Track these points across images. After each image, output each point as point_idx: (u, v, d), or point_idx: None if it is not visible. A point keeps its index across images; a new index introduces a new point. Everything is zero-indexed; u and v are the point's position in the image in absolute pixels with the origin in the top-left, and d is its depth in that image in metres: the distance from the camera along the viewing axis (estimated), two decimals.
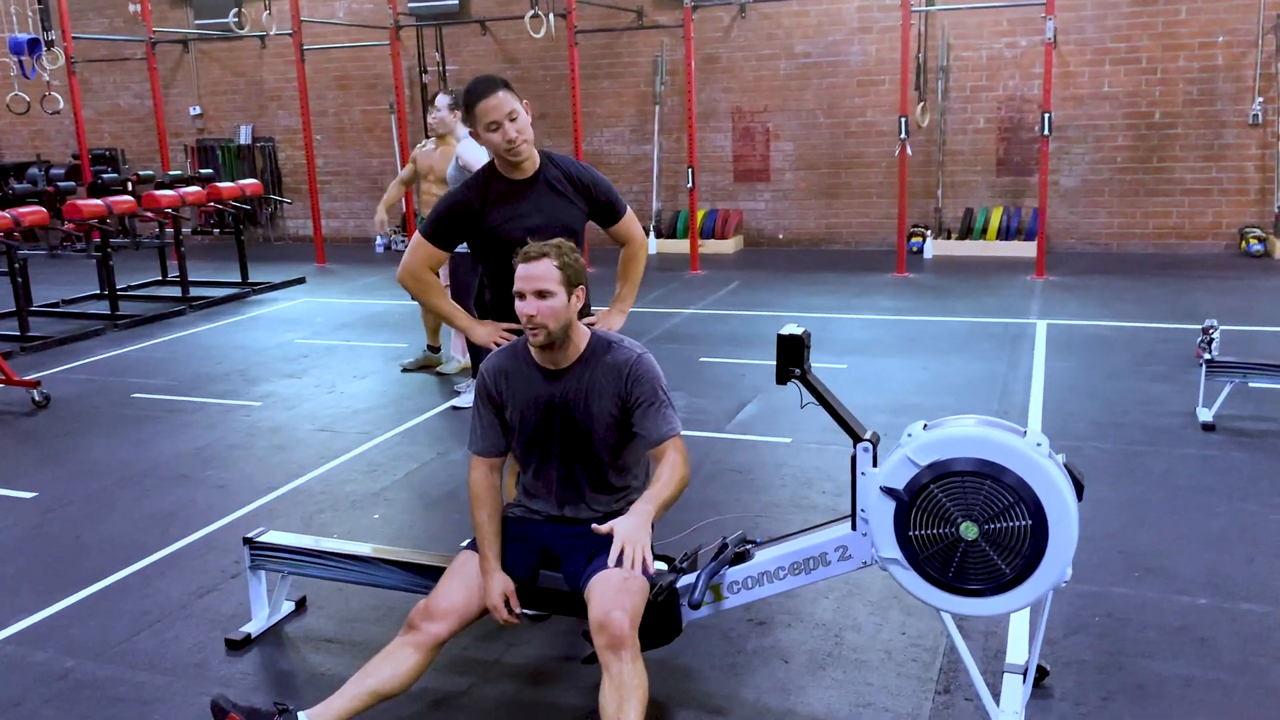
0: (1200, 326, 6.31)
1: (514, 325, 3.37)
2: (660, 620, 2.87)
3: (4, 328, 8.46)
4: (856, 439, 2.73)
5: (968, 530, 2.53)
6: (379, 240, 13.28)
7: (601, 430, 2.90)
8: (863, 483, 2.71)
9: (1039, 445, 2.52)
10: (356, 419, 5.92)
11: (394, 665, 2.77)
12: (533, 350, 2.93)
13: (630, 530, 2.65)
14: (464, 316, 3.53)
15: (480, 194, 3.38)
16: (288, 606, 3.59)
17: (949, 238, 11.26)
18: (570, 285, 2.81)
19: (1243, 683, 3.00)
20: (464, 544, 3.04)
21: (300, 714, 2.69)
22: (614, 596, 2.68)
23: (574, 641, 3.34)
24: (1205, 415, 5.25)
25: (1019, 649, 3.22)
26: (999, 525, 2.50)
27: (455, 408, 6.05)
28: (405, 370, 6.96)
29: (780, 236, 12.12)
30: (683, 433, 2.92)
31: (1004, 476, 2.49)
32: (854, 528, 2.76)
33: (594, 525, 2.74)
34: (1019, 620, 3.34)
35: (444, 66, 12.86)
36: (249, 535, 3.44)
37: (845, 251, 11.71)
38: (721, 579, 2.90)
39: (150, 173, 10.53)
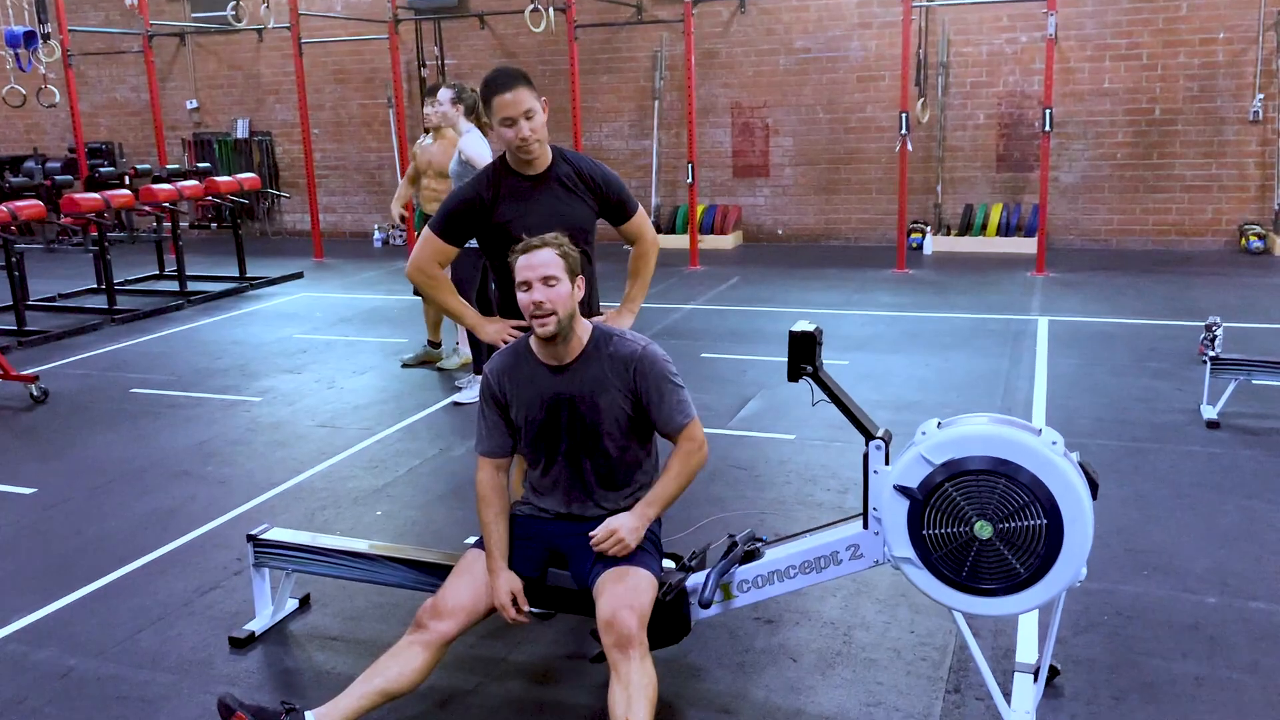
0: (1203, 323, 6.32)
1: (522, 323, 3.35)
2: (669, 619, 2.86)
3: (1, 322, 8.41)
4: (869, 437, 2.71)
5: (982, 529, 2.51)
6: (377, 235, 13.24)
7: (609, 424, 2.87)
8: (875, 481, 2.69)
9: (1054, 444, 2.51)
10: (357, 415, 5.89)
11: (402, 664, 2.75)
12: (536, 347, 2.91)
13: (623, 523, 2.73)
14: (472, 314, 3.50)
15: (490, 189, 3.35)
16: (292, 604, 3.56)
17: (949, 234, 11.24)
18: (572, 274, 2.80)
19: (1255, 682, 2.98)
20: (471, 541, 3.02)
21: (307, 713, 2.67)
22: (622, 595, 2.67)
23: (581, 639, 3.32)
24: (1210, 412, 5.24)
25: (1028, 648, 3.20)
26: (1014, 524, 2.49)
27: (456, 403, 6.03)
28: (405, 365, 6.93)
29: (780, 232, 12.10)
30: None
31: (1019, 475, 2.47)
32: (866, 526, 2.75)
33: (592, 536, 2.79)
34: (1028, 619, 3.32)
35: (443, 61, 12.81)
36: (253, 532, 3.41)
37: (844, 247, 11.69)
38: (731, 577, 2.88)
39: (147, 166, 10.48)
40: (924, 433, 2.58)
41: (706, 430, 2.97)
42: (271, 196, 13.79)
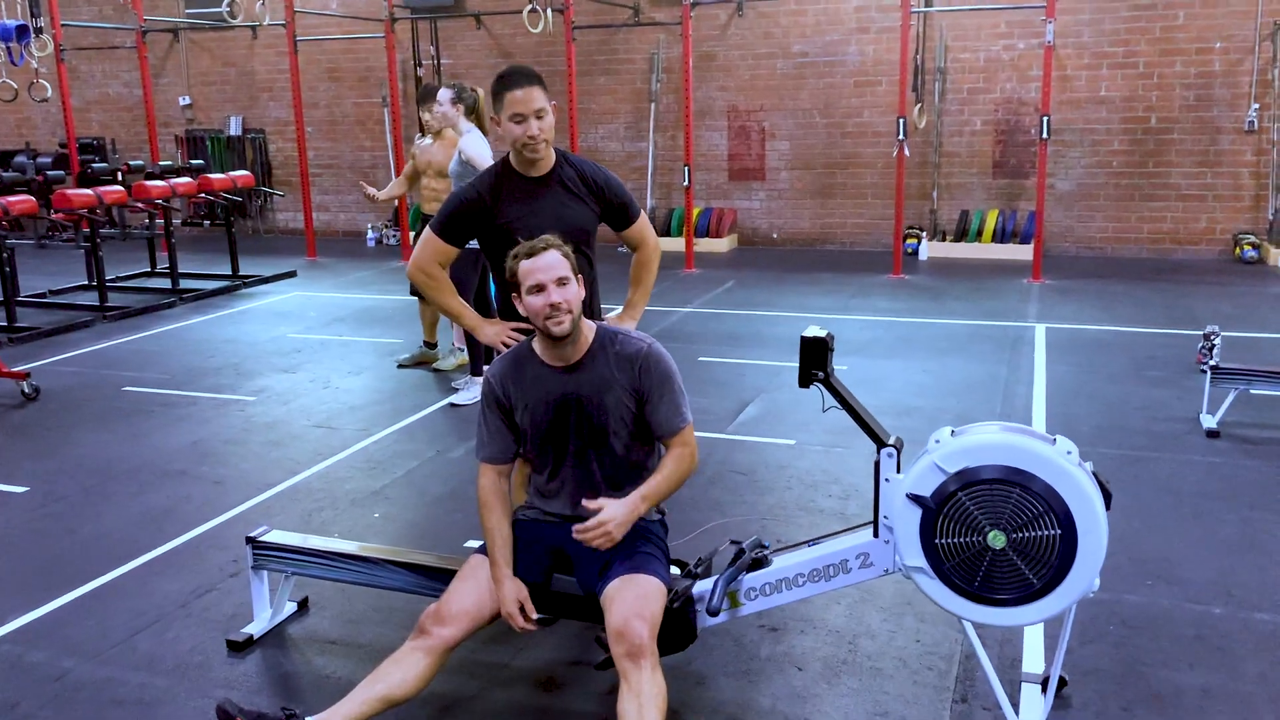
0: (1201, 333, 6.33)
1: (522, 325, 3.32)
2: (675, 626, 2.83)
3: None
4: (880, 444, 2.69)
5: (995, 539, 2.49)
6: (370, 235, 13.18)
7: (615, 423, 2.85)
8: (886, 489, 2.67)
9: (1069, 453, 2.49)
10: (353, 415, 5.85)
11: (404, 670, 2.72)
12: (540, 349, 2.88)
13: (613, 512, 2.71)
14: (472, 315, 3.47)
15: (493, 190, 3.33)
16: (290, 607, 3.52)
17: (944, 239, 11.25)
18: (576, 273, 2.79)
19: (1263, 693, 2.97)
20: (472, 545, 2.99)
21: (308, 719, 2.63)
22: (632, 604, 2.64)
23: (583, 646, 3.29)
24: (1209, 422, 5.23)
25: (1035, 658, 3.19)
26: (1028, 534, 2.47)
27: (453, 404, 5.99)
28: (401, 366, 6.88)
29: (775, 236, 12.08)
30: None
31: (1033, 485, 2.45)
32: (876, 534, 2.72)
33: (584, 500, 2.75)
34: (1034, 629, 3.30)
35: (438, 60, 12.76)
36: (252, 535, 3.37)
37: (840, 252, 11.69)
38: (739, 585, 2.86)
39: (140, 163, 10.40)
40: (937, 441, 2.56)
41: (706, 434, 2.96)
42: (264, 194, 13.72)
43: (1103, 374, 6.36)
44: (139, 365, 7.05)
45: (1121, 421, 5.44)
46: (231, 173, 10.62)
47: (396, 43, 11.74)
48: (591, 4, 11.40)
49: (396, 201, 12.55)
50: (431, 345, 6.93)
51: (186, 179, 9.79)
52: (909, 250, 10.96)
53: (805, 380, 2.78)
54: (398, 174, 12.12)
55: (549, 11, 10.02)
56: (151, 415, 5.88)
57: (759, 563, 2.88)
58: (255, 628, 3.38)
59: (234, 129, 14.01)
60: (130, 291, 9.68)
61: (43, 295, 9.37)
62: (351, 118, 13.51)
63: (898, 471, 2.66)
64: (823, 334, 2.77)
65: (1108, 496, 2.54)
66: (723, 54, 11.78)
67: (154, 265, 10.64)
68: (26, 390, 6.18)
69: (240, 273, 10.28)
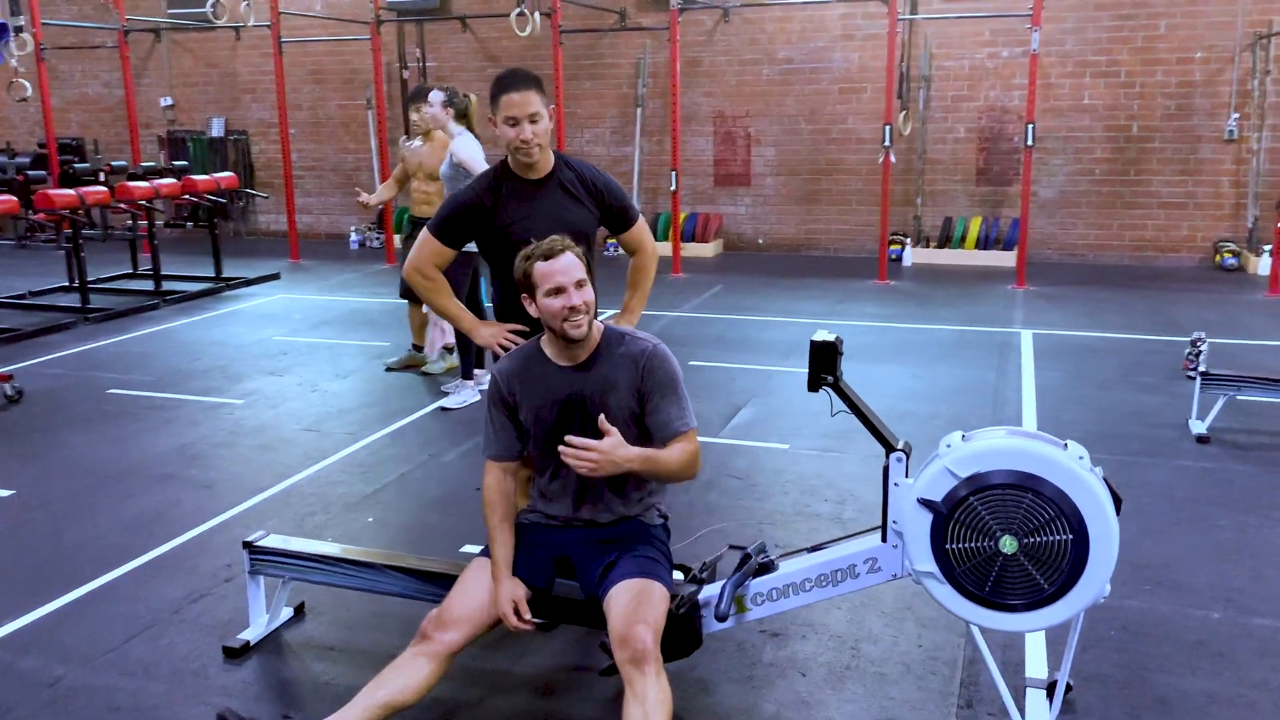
0: (1188, 339, 6.38)
1: (519, 326, 3.31)
2: (681, 632, 2.81)
3: None
4: (890, 449, 2.68)
5: (1007, 544, 2.48)
6: (353, 237, 13.10)
7: (620, 425, 2.82)
8: (895, 494, 2.66)
9: (1080, 458, 2.49)
10: (343, 419, 5.80)
11: (407, 676, 2.68)
12: (549, 348, 2.86)
13: (611, 445, 2.63)
14: (469, 318, 3.44)
15: (492, 193, 3.31)
16: (286, 613, 3.47)
17: (928, 246, 11.29)
18: (590, 274, 2.77)
19: (1266, 700, 2.98)
20: (470, 550, 2.96)
21: None
22: (637, 610, 2.62)
23: (585, 652, 3.27)
24: (1199, 427, 5.27)
25: (1038, 663, 3.19)
26: (1039, 539, 2.46)
27: (444, 408, 5.95)
28: (389, 370, 6.84)
29: (760, 241, 12.10)
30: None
31: (1045, 490, 2.45)
32: (884, 539, 2.71)
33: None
34: (1036, 633, 3.30)
35: (424, 63, 12.71)
36: (249, 539, 3.32)
37: (824, 258, 11.71)
38: (745, 590, 2.84)
39: (123, 163, 10.30)
40: (949, 445, 2.55)
41: (700, 439, 2.91)
42: (246, 196, 13.61)
43: (1091, 380, 6.39)
44: (124, 367, 6.97)
45: (1113, 427, 5.46)
46: (216, 174, 10.51)
47: (382, 45, 11.68)
48: (578, 8, 11.39)
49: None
50: (420, 348, 6.88)
51: (170, 180, 9.69)
52: (893, 256, 10.99)
53: (814, 384, 2.77)
54: (383, 177, 12.11)
55: (536, 15, 9.99)
56: (138, 418, 5.81)
57: (765, 568, 2.86)
58: (252, 633, 3.33)
59: (216, 130, 13.90)
60: (112, 293, 9.57)
61: (22, 296, 9.25)
62: (335, 120, 13.44)
63: (906, 476, 2.65)
64: (831, 338, 2.76)
65: (1118, 501, 2.54)
66: (709, 60, 11.79)
67: (135, 267, 10.53)
68: (9, 392, 6.09)
69: (224, 275, 10.19)
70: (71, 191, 8.57)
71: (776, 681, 3.11)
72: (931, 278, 10.27)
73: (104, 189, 8.98)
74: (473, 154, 5.86)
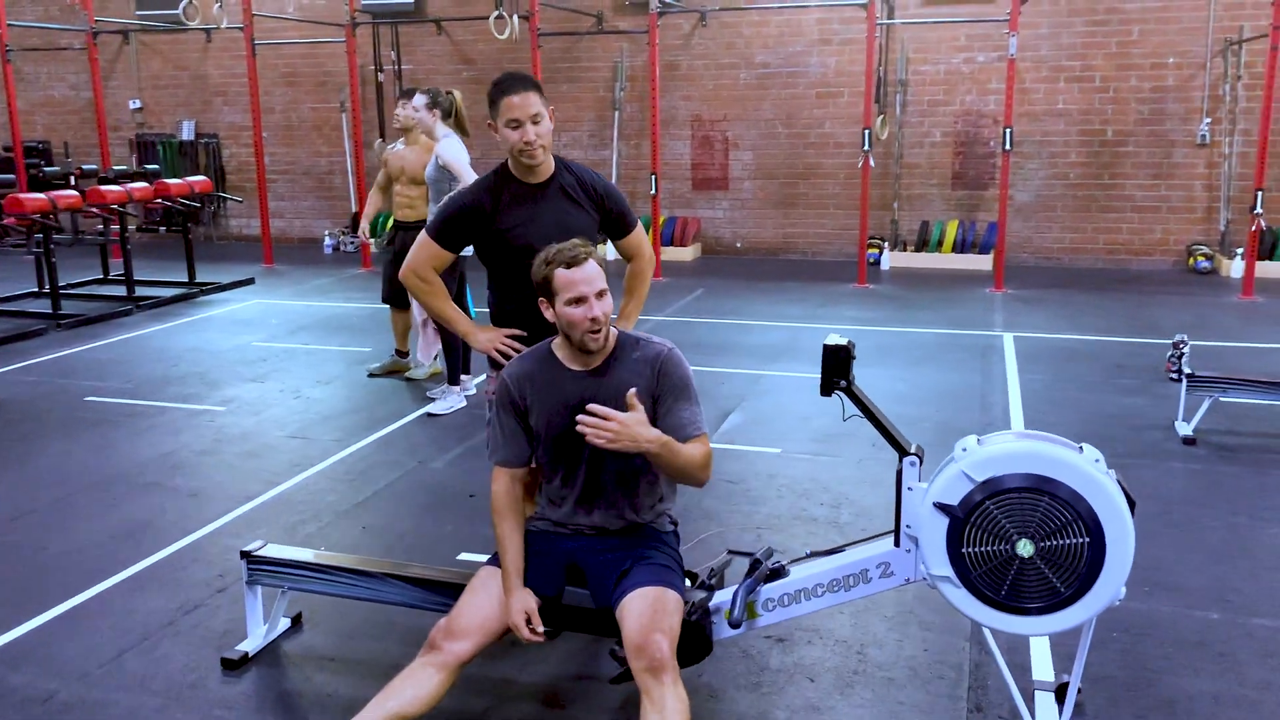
0: (1169, 341, 6.43)
1: (517, 331, 3.27)
2: (691, 639, 2.78)
3: None
4: (903, 453, 2.67)
5: (1024, 547, 2.48)
6: (327, 241, 12.99)
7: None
8: (909, 498, 2.65)
9: (1096, 461, 2.49)
10: (328, 425, 5.72)
11: (416, 686, 2.64)
12: (562, 353, 2.82)
13: (634, 420, 2.54)
14: (465, 321, 3.40)
15: (493, 196, 3.27)
16: (284, 623, 3.41)
17: (905, 250, 11.35)
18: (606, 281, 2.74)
19: (1271, 700, 3.00)
20: (467, 559, 2.92)
21: None
22: (651, 617, 2.59)
23: (589, 660, 3.24)
24: (1185, 429, 5.32)
25: (1044, 666, 3.19)
26: (1056, 543, 2.46)
27: (430, 414, 5.89)
28: (372, 375, 6.76)
29: (738, 245, 12.11)
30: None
31: (1062, 493, 2.45)
32: (897, 544, 2.70)
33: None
34: (1041, 637, 3.30)
35: (399, 66, 12.63)
36: (247, 549, 3.26)
37: (803, 261, 11.75)
38: (756, 596, 2.82)
39: (94, 167, 10.14)
40: (964, 449, 2.54)
41: None
42: (217, 200, 13.46)
43: (1075, 382, 6.43)
44: (99, 374, 6.85)
45: (1099, 429, 5.50)
46: (189, 178, 10.37)
47: (356, 48, 11.58)
48: (556, 11, 11.36)
49: (356, 208, 12.41)
50: (403, 354, 6.82)
51: (142, 184, 9.56)
52: (871, 260, 11.03)
53: (827, 389, 2.76)
54: (358, 180, 12.04)
55: (515, 18, 9.95)
56: (118, 426, 5.71)
57: (776, 573, 2.85)
58: (250, 645, 3.27)
59: (186, 133, 13.74)
60: (83, 299, 9.42)
61: None
62: (308, 123, 13.32)
63: (920, 480, 2.64)
64: (844, 342, 2.75)
65: (1132, 504, 2.54)
66: (686, 64, 11.79)
67: (106, 272, 10.37)
68: None
69: (197, 280, 10.05)
70: (43, 196, 8.43)
71: (785, 688, 3.09)
72: (910, 281, 10.32)
73: (75, 193, 8.84)
74: (458, 156, 5.81)
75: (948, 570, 2.56)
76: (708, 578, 2.96)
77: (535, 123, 3.15)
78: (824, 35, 11.32)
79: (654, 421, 2.78)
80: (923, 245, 11.28)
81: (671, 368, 2.78)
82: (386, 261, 6.66)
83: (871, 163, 9.87)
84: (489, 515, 4.30)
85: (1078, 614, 2.51)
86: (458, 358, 6.07)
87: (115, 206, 9.12)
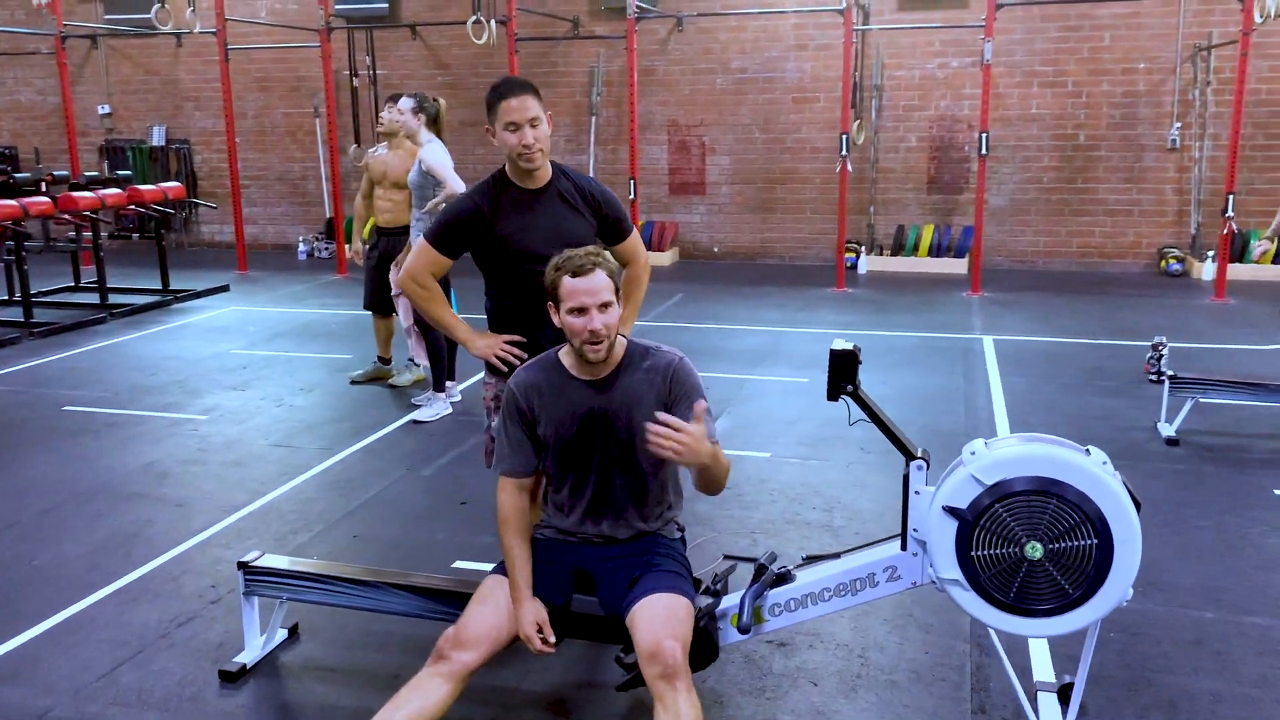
0: (1148, 343, 6.52)
1: (516, 338, 3.26)
2: (698, 645, 2.78)
3: None
4: (911, 457, 2.68)
5: (1033, 550, 2.49)
6: (301, 248, 12.88)
7: (643, 441, 2.78)
8: (916, 502, 2.66)
9: (1104, 463, 2.51)
10: (313, 434, 5.67)
11: (424, 696, 2.61)
12: (569, 362, 2.80)
13: (700, 434, 2.55)
14: (463, 328, 3.37)
15: (491, 201, 3.26)
16: (281, 634, 3.37)
17: (881, 254, 11.41)
18: (616, 291, 2.72)
19: (1269, 697, 3.04)
20: (462, 566, 2.90)
21: None
22: (663, 624, 2.58)
23: (592, 667, 3.23)
24: (1168, 430, 5.38)
25: (1044, 667, 3.21)
26: (1065, 545, 2.48)
27: (416, 421, 5.85)
28: (354, 383, 6.71)
29: (716, 250, 12.14)
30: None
31: (1070, 495, 2.46)
32: (904, 548, 2.71)
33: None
34: (1040, 638, 3.32)
35: (374, 71, 12.56)
36: (244, 560, 3.22)
37: (780, 266, 11.79)
38: (763, 601, 2.82)
39: (65, 173, 10.01)
40: (973, 453, 2.56)
41: None
42: (189, 206, 13.31)
43: (1056, 385, 6.49)
44: (76, 383, 6.76)
45: (1084, 431, 5.54)
46: (162, 184, 10.25)
47: (331, 53, 11.50)
48: (531, 16, 11.34)
49: (331, 214, 12.32)
50: (386, 361, 6.77)
51: (115, 190, 9.43)
52: (848, 264, 11.09)
53: (834, 394, 2.76)
54: (333, 185, 11.92)
55: (492, 23, 9.92)
56: (99, 435, 5.63)
57: (783, 578, 2.85)
58: (248, 656, 3.23)
59: (157, 139, 13.59)
60: (55, 307, 9.29)
61: None
62: (281, 128, 13.21)
63: (927, 484, 2.65)
64: (850, 347, 2.76)
65: (1137, 505, 2.56)
66: (663, 69, 11.81)
67: (78, 279, 10.24)
68: None
69: (171, 287, 9.94)
70: (14, 202, 8.30)
71: (790, 692, 3.09)
72: (887, 285, 10.38)
73: (47, 199, 8.72)
74: (442, 161, 5.78)
75: (957, 573, 2.57)
76: (712, 583, 2.96)
77: (534, 125, 3.15)
78: (800, 41, 11.38)
79: None
80: (899, 249, 11.35)
81: (684, 376, 2.78)
82: (369, 267, 6.60)
83: (849, 167, 9.92)
84: (482, 523, 4.34)
85: (1086, 615, 2.53)
86: (443, 364, 6.03)
87: (88, 213, 8.99)
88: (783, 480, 4.86)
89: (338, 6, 12.06)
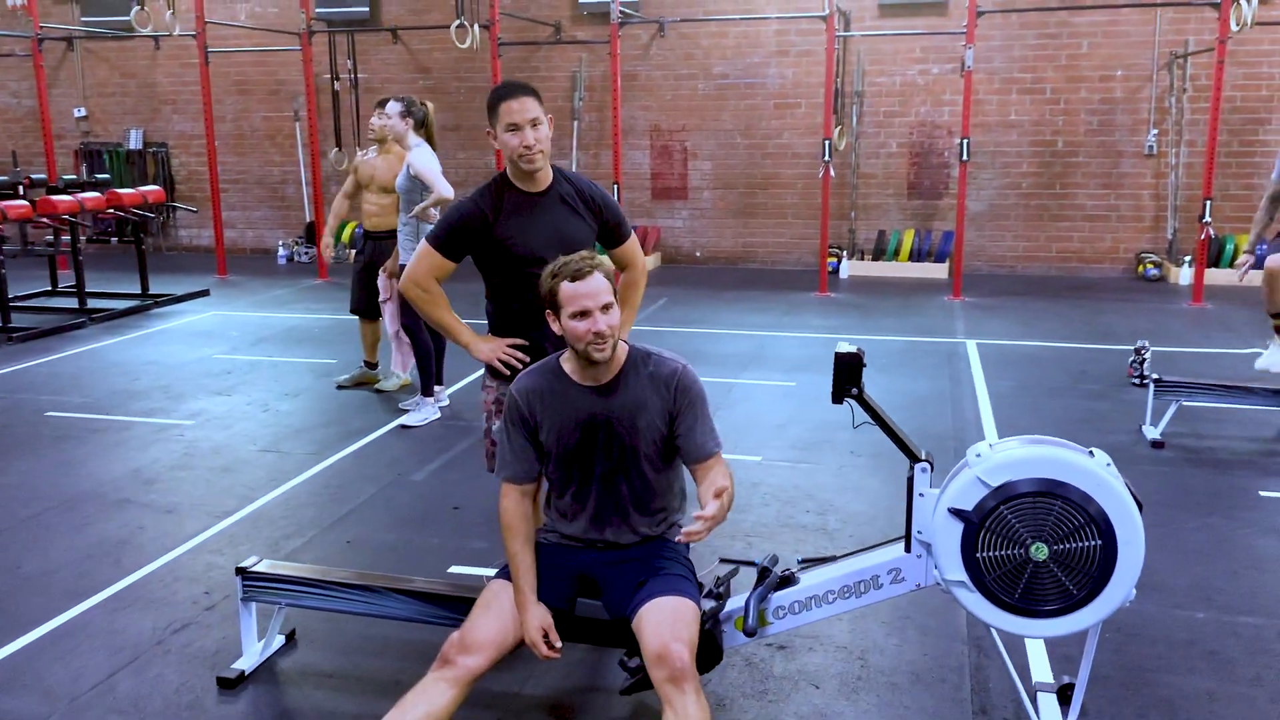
0: (1131, 347, 6.59)
1: (517, 340, 3.26)
2: (703, 648, 2.78)
3: None
4: (915, 459, 2.70)
5: (1038, 551, 2.51)
6: (281, 252, 12.80)
7: (647, 446, 2.80)
8: (920, 504, 2.68)
9: (1107, 465, 2.53)
10: (301, 439, 5.63)
11: (430, 701, 2.60)
12: (571, 367, 2.80)
13: (723, 509, 2.60)
14: (466, 332, 3.37)
15: (493, 204, 3.26)
16: (278, 640, 3.35)
17: (863, 259, 11.47)
18: (614, 294, 2.73)
19: (1263, 696, 3.07)
20: (457, 571, 2.89)
21: None
22: (670, 627, 2.58)
23: (594, 671, 3.23)
24: (1153, 433, 5.43)
25: (1041, 667, 3.24)
26: (1069, 546, 2.50)
27: (404, 426, 5.83)
28: (341, 387, 6.67)
29: (698, 255, 12.16)
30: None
31: (1075, 496, 2.49)
32: (908, 549, 2.73)
33: (686, 531, 2.58)
34: (1037, 639, 3.35)
35: (355, 74, 12.51)
36: (243, 565, 3.20)
37: (762, 270, 11.83)
38: (767, 604, 2.83)
39: (43, 176, 9.90)
40: (978, 455, 2.58)
41: None
42: (167, 210, 13.20)
43: (1041, 388, 6.55)
44: (57, 389, 6.68)
45: (1071, 435, 5.47)
46: (142, 187, 10.16)
47: (312, 56, 11.45)
48: (513, 21, 11.34)
49: (312, 218, 12.25)
50: (372, 365, 6.74)
51: (94, 194, 9.34)
52: (830, 269, 11.13)
53: (839, 396, 2.78)
54: (314, 190, 11.86)
55: (476, 27, 9.91)
56: (83, 441, 5.57)
57: (787, 580, 2.86)
58: (246, 663, 3.20)
59: (134, 142, 13.47)
60: (32, 311, 9.19)
61: None
62: (261, 132, 13.13)
63: (930, 486, 2.67)
64: (855, 350, 2.77)
65: (1140, 506, 2.59)
66: (645, 74, 11.83)
67: (55, 284, 10.12)
68: None
69: (150, 291, 9.85)
70: None
71: (791, 695, 3.10)
72: (869, 290, 10.43)
73: (25, 203, 8.62)
74: (429, 165, 5.76)
75: (962, 575, 2.59)
76: (715, 586, 2.97)
77: (534, 126, 3.16)
78: (781, 46, 11.43)
79: (670, 438, 2.79)
80: (880, 254, 11.41)
81: (688, 385, 2.79)
82: (356, 271, 6.58)
83: (832, 173, 9.97)
84: (476, 528, 4.33)
85: (1090, 616, 2.55)
86: (431, 368, 6.01)
87: (67, 217, 8.90)
88: (774, 484, 4.88)
89: (318, 10, 12.01)
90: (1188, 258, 10.26)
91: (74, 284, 9.31)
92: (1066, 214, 11.11)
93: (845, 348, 2.77)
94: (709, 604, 2.87)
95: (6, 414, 6.13)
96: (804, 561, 2.96)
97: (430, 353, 6.00)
